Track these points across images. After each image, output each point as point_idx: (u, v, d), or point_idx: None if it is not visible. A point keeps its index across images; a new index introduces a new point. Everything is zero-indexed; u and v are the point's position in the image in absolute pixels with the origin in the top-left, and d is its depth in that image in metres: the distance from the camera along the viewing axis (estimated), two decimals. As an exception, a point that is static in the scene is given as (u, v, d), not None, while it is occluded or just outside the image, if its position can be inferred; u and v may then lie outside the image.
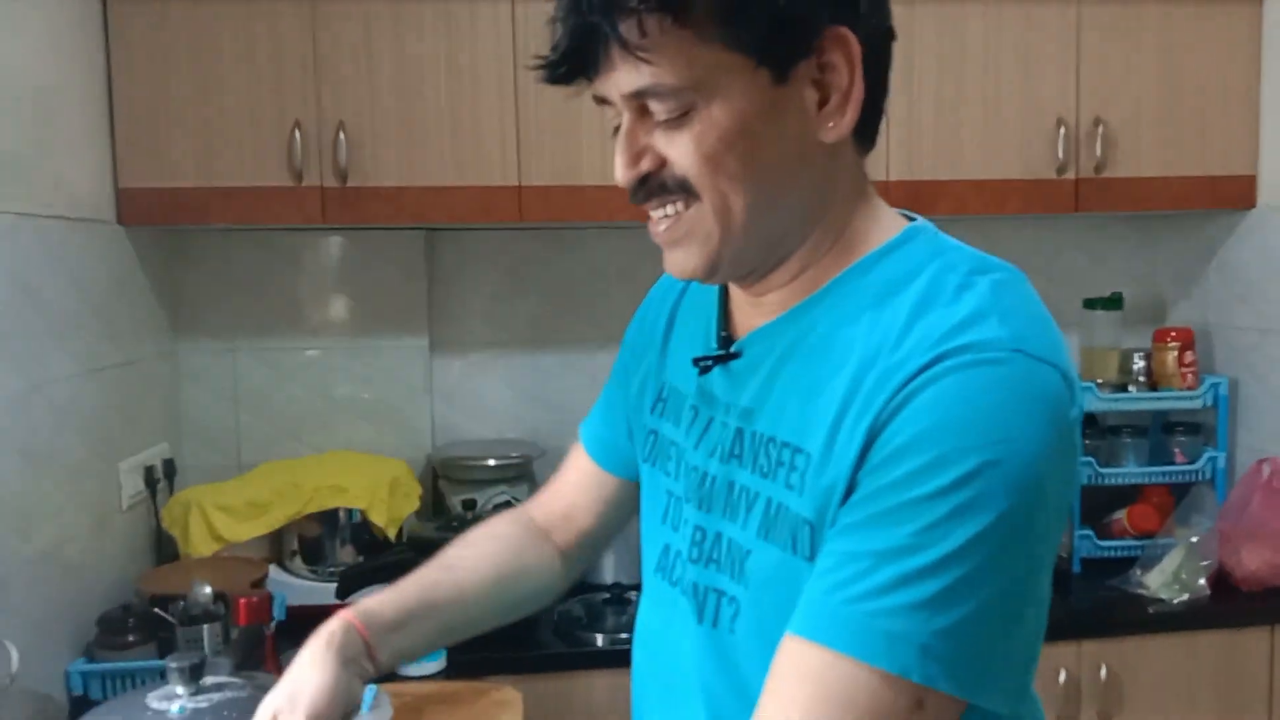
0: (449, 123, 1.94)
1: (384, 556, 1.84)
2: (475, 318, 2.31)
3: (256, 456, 2.17)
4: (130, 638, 1.58)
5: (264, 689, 1.02)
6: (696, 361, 0.84)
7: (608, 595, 1.96)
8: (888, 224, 0.78)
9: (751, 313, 0.81)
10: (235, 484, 1.99)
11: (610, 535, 1.08)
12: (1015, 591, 0.65)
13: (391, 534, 1.95)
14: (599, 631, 1.85)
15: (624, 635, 1.82)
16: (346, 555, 1.96)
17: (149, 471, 1.95)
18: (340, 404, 2.24)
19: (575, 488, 1.06)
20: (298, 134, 1.88)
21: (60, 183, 1.70)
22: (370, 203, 1.92)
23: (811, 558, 0.70)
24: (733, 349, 0.81)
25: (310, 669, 0.83)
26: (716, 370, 0.82)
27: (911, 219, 0.79)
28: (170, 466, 2.01)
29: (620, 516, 1.05)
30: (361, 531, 1.96)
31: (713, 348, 0.84)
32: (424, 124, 1.93)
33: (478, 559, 0.99)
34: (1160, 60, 2.10)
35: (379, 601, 0.91)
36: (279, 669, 1.34)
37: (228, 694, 0.99)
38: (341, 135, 1.89)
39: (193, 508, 1.87)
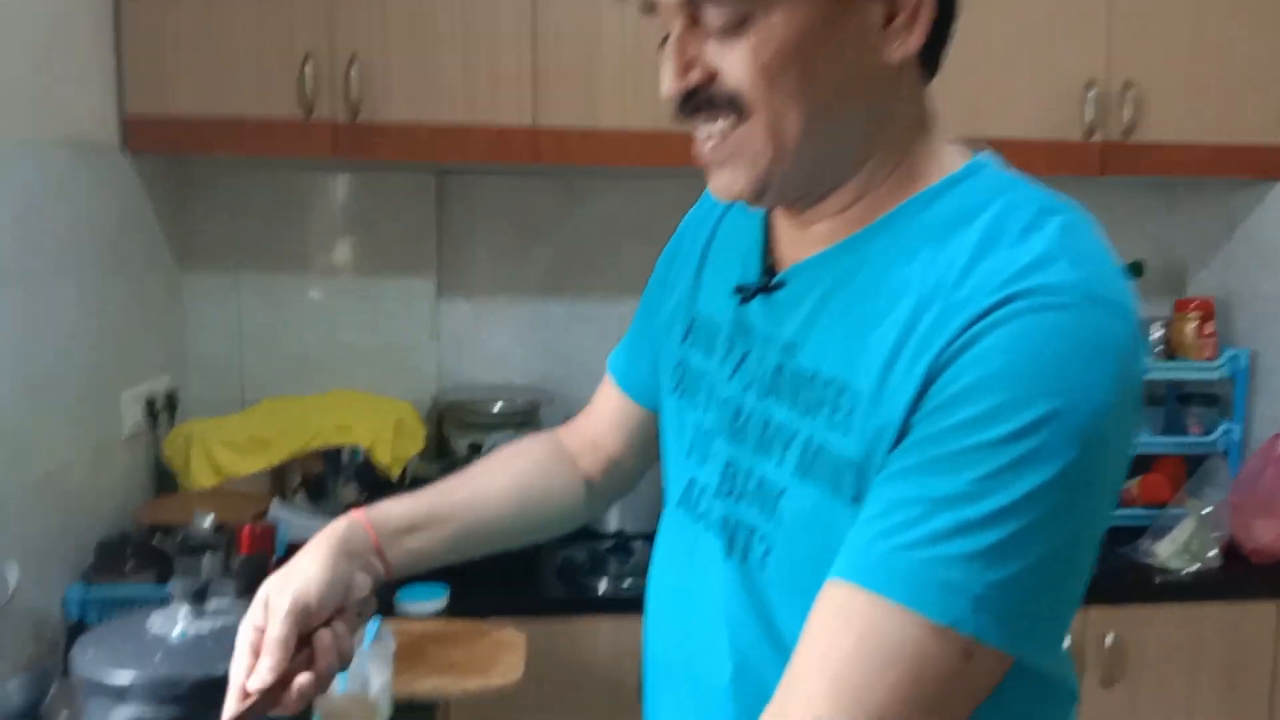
0: (464, 60, 1.88)
1: (390, 494, 1.81)
2: (484, 264, 2.27)
3: (259, 393, 2.14)
4: (128, 565, 1.56)
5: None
6: (737, 290, 0.80)
7: (612, 543, 1.95)
8: (950, 156, 0.74)
9: (798, 242, 0.77)
10: (238, 419, 1.96)
11: (641, 468, 1.05)
12: (1072, 547, 0.63)
13: (395, 473, 1.93)
14: (602, 578, 1.84)
15: (627, 583, 1.81)
16: (349, 494, 1.94)
17: (150, 403, 1.92)
18: (345, 344, 2.21)
19: (603, 417, 1.04)
20: (309, 66, 1.83)
21: (65, 108, 1.65)
22: (381, 139, 1.88)
23: (855, 500, 0.67)
24: (777, 279, 0.77)
25: (305, 557, 0.82)
26: (757, 301, 0.78)
27: (975, 152, 0.75)
28: (172, 399, 1.98)
29: (650, 448, 1.02)
30: (365, 471, 1.94)
31: (754, 277, 0.80)
32: (438, 60, 1.87)
33: (500, 474, 0.97)
34: (1195, 24, 2.04)
35: (390, 503, 0.89)
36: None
37: (231, 619, 0.97)
38: (354, 69, 1.84)
39: (195, 440, 1.85)
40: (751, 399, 0.77)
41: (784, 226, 0.79)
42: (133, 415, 1.87)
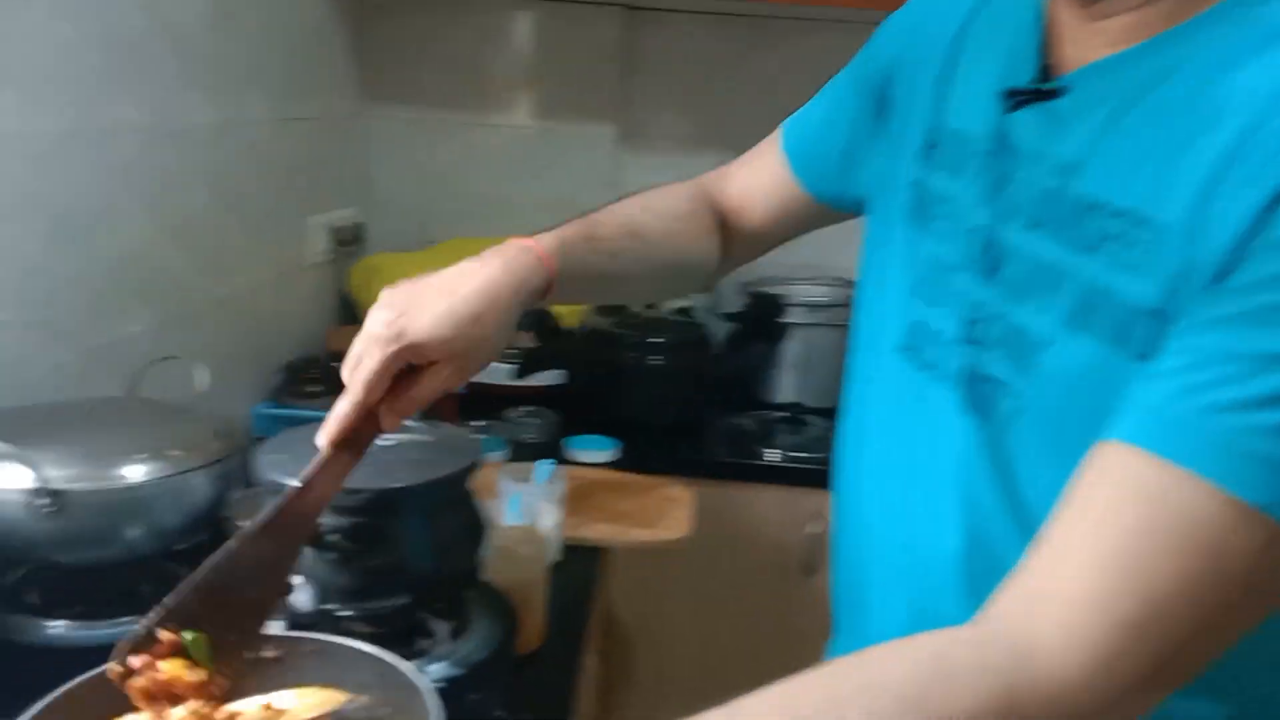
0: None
1: (564, 343, 1.80)
2: (667, 114, 2.15)
3: (442, 233, 2.13)
4: (315, 388, 1.59)
5: (448, 437, 0.97)
6: (1007, 95, 0.66)
7: (784, 415, 1.87)
8: None
9: (1085, 40, 0.63)
10: (422, 255, 1.96)
11: (776, 243, 0.98)
12: None
13: (568, 322, 1.90)
14: (771, 448, 1.77)
15: (795, 455, 1.73)
16: (526, 338, 1.92)
17: (336, 233, 1.94)
18: (524, 189, 2.17)
19: (758, 184, 0.94)
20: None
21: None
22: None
23: (1145, 355, 0.55)
24: (1056, 84, 0.64)
25: (477, 297, 0.73)
26: (1027, 111, 0.65)
27: None
28: (358, 231, 2.00)
29: (793, 230, 0.95)
30: (540, 316, 1.91)
31: (1026, 80, 0.66)
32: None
33: (662, 240, 0.90)
34: None
35: (578, 249, 0.81)
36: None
37: (410, 436, 0.94)
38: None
39: (380, 273, 1.86)
40: (1011, 230, 0.65)
41: (1067, 20, 0.65)
42: (319, 243, 1.88)
